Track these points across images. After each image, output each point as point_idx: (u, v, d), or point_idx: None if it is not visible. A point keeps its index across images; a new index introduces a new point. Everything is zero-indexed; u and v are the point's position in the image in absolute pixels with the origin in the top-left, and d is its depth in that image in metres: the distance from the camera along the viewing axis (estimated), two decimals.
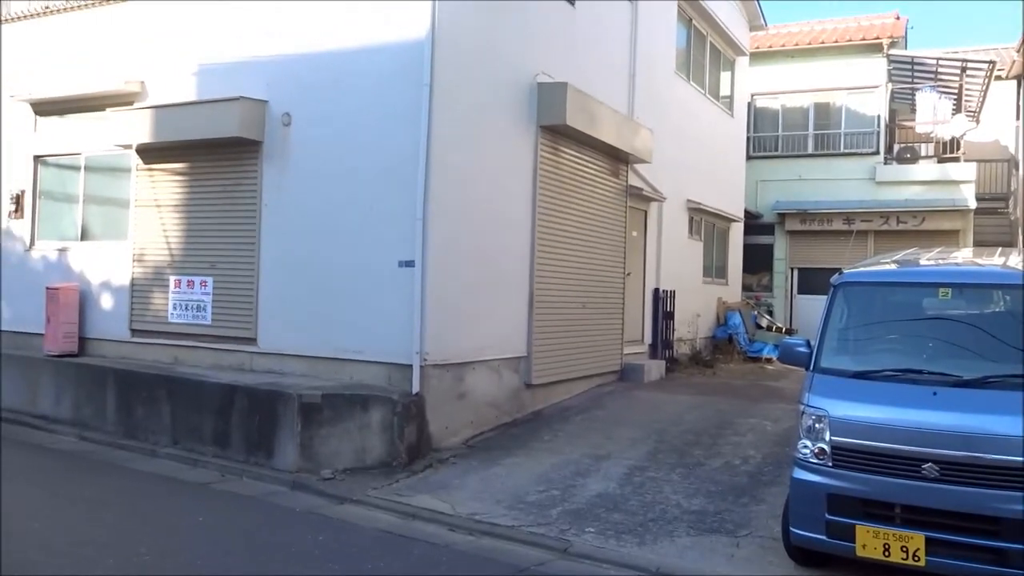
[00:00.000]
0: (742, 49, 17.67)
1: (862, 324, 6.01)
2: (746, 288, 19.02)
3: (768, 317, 18.17)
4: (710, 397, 11.40)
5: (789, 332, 17.10)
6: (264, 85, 9.53)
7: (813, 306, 17.82)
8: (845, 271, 6.18)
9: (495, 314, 9.51)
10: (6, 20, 11.97)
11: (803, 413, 5.50)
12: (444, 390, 8.71)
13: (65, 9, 11.38)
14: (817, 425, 5.37)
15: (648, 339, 13.61)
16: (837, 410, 5.34)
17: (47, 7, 11.57)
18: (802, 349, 5.89)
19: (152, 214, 10.45)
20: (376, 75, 8.79)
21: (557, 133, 10.44)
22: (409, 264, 8.44)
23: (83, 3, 11.17)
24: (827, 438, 5.31)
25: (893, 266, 6.58)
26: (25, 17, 11.79)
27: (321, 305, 9.07)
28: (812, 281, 19.00)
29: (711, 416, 10.12)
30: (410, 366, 8.39)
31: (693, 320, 15.25)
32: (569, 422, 9.79)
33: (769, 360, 15.46)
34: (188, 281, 10.10)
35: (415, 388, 8.34)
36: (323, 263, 9.10)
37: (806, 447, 5.42)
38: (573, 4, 10.98)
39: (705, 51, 16.11)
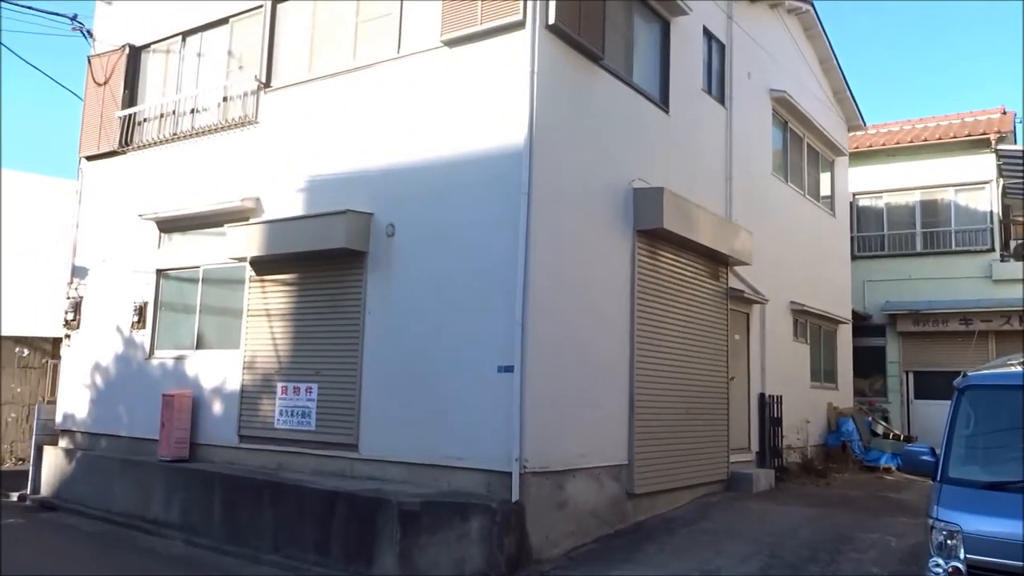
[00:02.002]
0: (841, 149, 17.51)
1: (991, 431, 5.63)
2: (858, 393, 18.18)
3: (883, 423, 17.21)
4: (826, 509, 10.75)
5: (908, 439, 16.12)
6: (369, 197, 9.95)
7: (932, 412, 16.91)
8: (970, 374, 5.84)
9: (595, 420, 9.33)
10: (137, 147, 13.02)
11: (932, 528, 5.11)
12: (544, 499, 8.50)
13: (189, 135, 12.32)
14: (950, 541, 4.97)
15: (755, 446, 13.06)
16: (971, 525, 4.94)
17: (174, 134, 12.57)
18: (927, 457, 5.55)
19: (263, 323, 10.87)
20: (476, 184, 9.04)
21: (655, 237, 10.45)
22: (508, 369, 8.43)
23: (205, 128, 12.08)
24: (962, 555, 4.89)
25: (1021, 368, 6.17)
26: (154, 144, 12.81)
27: (421, 412, 9.10)
28: (930, 385, 18.09)
29: (828, 530, 9.51)
30: (509, 473, 8.24)
31: (802, 426, 14.60)
32: (675, 534, 9.36)
33: (888, 469, 14.59)
34: (295, 387, 10.37)
35: (515, 496, 8.16)
36: (423, 370, 9.19)
37: (938, 566, 5.01)
38: (668, 111, 11.17)
39: (802, 152, 16.03)
